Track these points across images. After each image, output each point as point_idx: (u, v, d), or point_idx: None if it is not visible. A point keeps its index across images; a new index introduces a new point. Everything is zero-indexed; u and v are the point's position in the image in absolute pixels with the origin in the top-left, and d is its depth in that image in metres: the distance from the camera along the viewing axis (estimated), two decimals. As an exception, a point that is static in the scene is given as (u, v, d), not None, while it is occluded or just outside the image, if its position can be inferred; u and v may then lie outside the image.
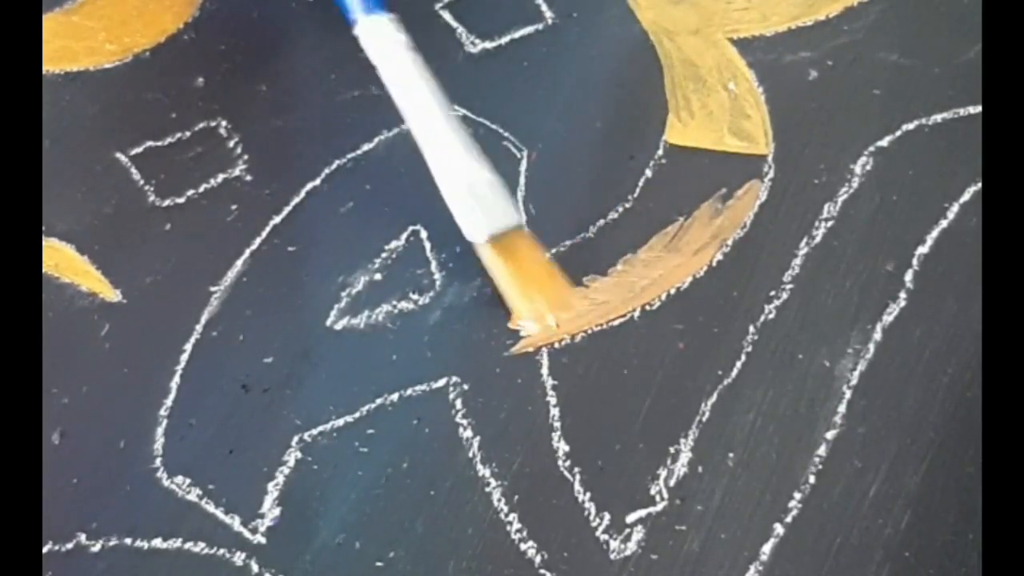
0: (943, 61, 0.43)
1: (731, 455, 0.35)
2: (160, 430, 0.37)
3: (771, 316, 0.38)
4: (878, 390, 0.36)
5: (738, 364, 0.37)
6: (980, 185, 0.40)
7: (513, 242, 0.38)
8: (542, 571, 0.34)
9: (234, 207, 0.42)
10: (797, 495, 0.34)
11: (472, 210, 0.37)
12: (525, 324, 0.38)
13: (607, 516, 0.35)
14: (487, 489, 0.35)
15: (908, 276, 0.38)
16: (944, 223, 0.39)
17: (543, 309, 0.38)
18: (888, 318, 0.37)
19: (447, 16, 0.47)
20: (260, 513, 0.36)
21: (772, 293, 0.38)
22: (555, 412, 0.37)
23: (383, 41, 0.39)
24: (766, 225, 0.40)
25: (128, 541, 0.35)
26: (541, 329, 0.38)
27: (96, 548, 0.35)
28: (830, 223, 0.40)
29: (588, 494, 0.35)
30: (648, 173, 0.42)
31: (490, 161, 0.38)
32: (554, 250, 0.40)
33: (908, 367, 0.36)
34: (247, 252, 0.41)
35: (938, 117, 0.41)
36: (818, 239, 0.39)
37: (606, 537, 0.34)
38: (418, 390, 0.37)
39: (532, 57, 0.45)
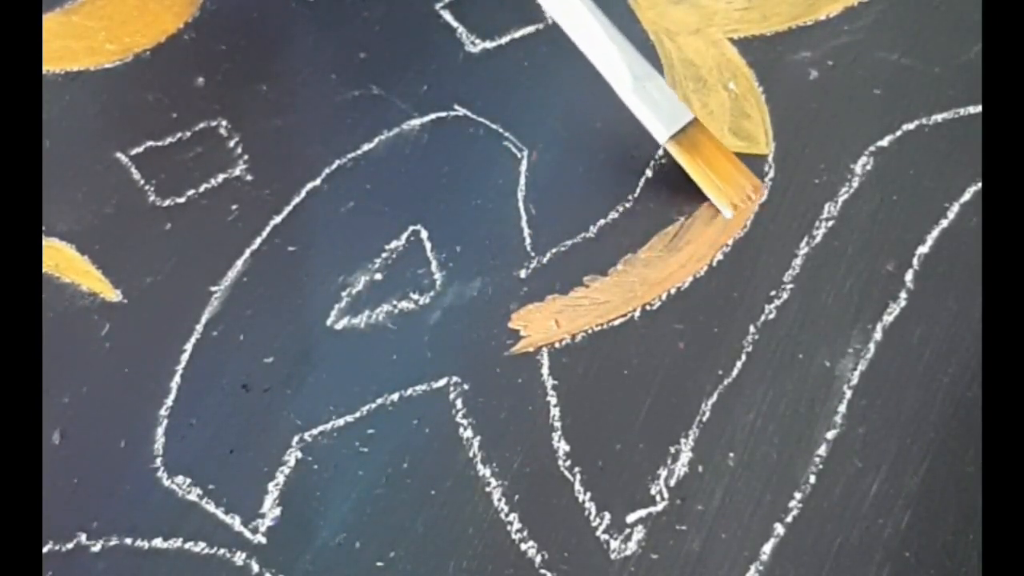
0: (943, 61, 0.43)
1: (731, 455, 0.35)
2: (160, 430, 0.37)
3: (771, 316, 0.38)
4: (878, 390, 0.36)
5: (738, 364, 0.37)
6: (980, 185, 0.40)
7: (693, 136, 0.40)
8: (542, 571, 0.34)
9: (234, 207, 0.42)
10: (797, 495, 0.34)
11: (649, 113, 0.40)
12: (724, 211, 0.40)
13: (607, 516, 0.35)
14: (487, 489, 0.35)
15: (908, 276, 0.38)
16: (944, 223, 0.39)
17: (734, 195, 0.40)
18: (888, 318, 0.37)
19: (447, 16, 0.47)
20: (260, 513, 0.36)
21: (772, 293, 0.38)
22: (555, 412, 0.37)
23: None
24: (766, 225, 0.40)
25: (128, 541, 0.35)
26: (735, 216, 0.40)
27: (96, 548, 0.35)
28: (830, 223, 0.40)
29: (588, 494, 0.35)
30: (648, 173, 0.42)
31: (651, 65, 0.40)
32: (554, 250, 0.40)
33: (908, 367, 0.36)
34: (247, 252, 0.41)
35: (938, 117, 0.41)
36: (818, 239, 0.39)
37: (606, 537, 0.34)
38: (418, 390, 0.37)
39: (532, 57, 0.45)
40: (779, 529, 0.34)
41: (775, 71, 0.44)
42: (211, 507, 0.36)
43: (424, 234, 0.41)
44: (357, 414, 0.37)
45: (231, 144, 0.44)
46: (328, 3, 0.47)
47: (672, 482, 0.35)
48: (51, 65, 0.46)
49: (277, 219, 0.42)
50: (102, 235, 0.42)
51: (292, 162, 0.43)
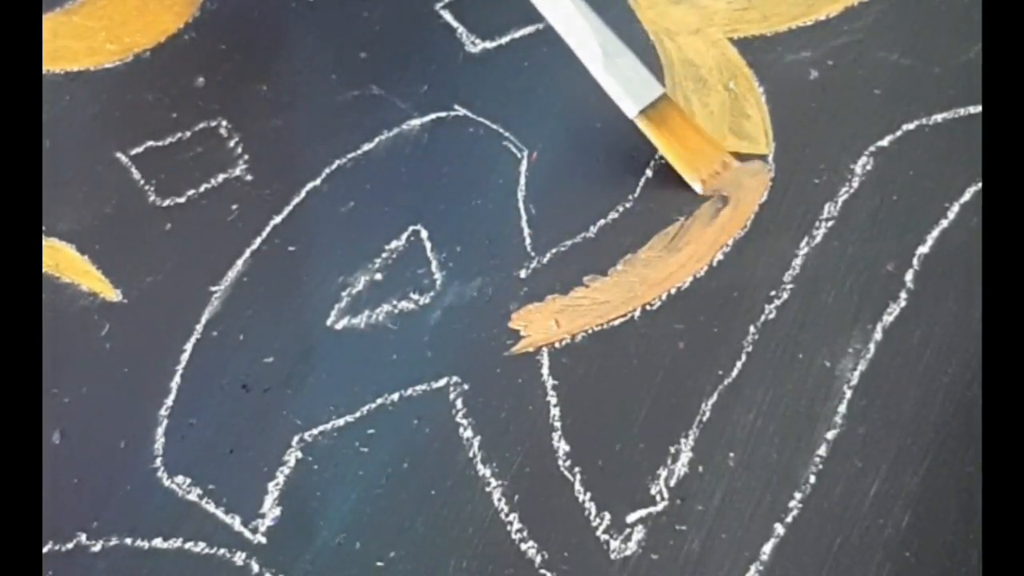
0: (943, 61, 0.43)
1: (731, 455, 0.35)
2: (160, 430, 0.37)
3: (771, 316, 0.38)
4: (878, 390, 0.36)
5: (738, 364, 0.37)
6: (980, 185, 0.40)
7: (663, 111, 0.40)
8: (542, 571, 0.34)
9: (234, 207, 0.42)
10: (797, 495, 0.34)
11: (619, 88, 0.40)
12: (693, 186, 0.40)
13: (607, 516, 0.35)
14: (487, 489, 0.35)
15: (908, 276, 0.38)
16: (944, 223, 0.39)
17: (703, 169, 0.40)
18: (888, 318, 0.37)
19: (447, 16, 0.47)
20: (260, 513, 0.36)
21: (772, 293, 0.38)
22: (555, 412, 0.37)
23: None
24: (766, 225, 0.40)
25: (128, 541, 0.35)
26: (705, 191, 0.40)
27: (96, 548, 0.35)
28: (830, 223, 0.40)
29: (588, 494, 0.35)
30: (648, 173, 0.42)
31: (624, 42, 0.41)
32: (554, 250, 0.40)
33: (908, 367, 0.36)
34: (247, 252, 0.41)
35: (938, 117, 0.41)
36: (818, 239, 0.39)
37: (606, 537, 0.34)
38: (418, 390, 0.37)
39: (532, 57, 0.45)
40: (779, 529, 0.34)
41: (775, 71, 0.44)
42: (211, 507, 0.36)
43: (424, 234, 0.41)
44: (357, 414, 0.37)
45: (231, 144, 0.44)
46: (328, 3, 0.47)
47: (672, 482, 0.35)
48: (51, 65, 0.46)
49: (277, 219, 0.42)
50: (102, 235, 0.42)
51: (292, 162, 0.43)
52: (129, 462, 0.37)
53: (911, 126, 0.41)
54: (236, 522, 0.35)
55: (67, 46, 0.47)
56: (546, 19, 0.41)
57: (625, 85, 0.40)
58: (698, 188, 0.40)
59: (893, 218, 0.39)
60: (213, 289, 0.40)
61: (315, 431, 0.37)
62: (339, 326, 0.39)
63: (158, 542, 0.35)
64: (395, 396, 0.37)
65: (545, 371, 0.37)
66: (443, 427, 0.37)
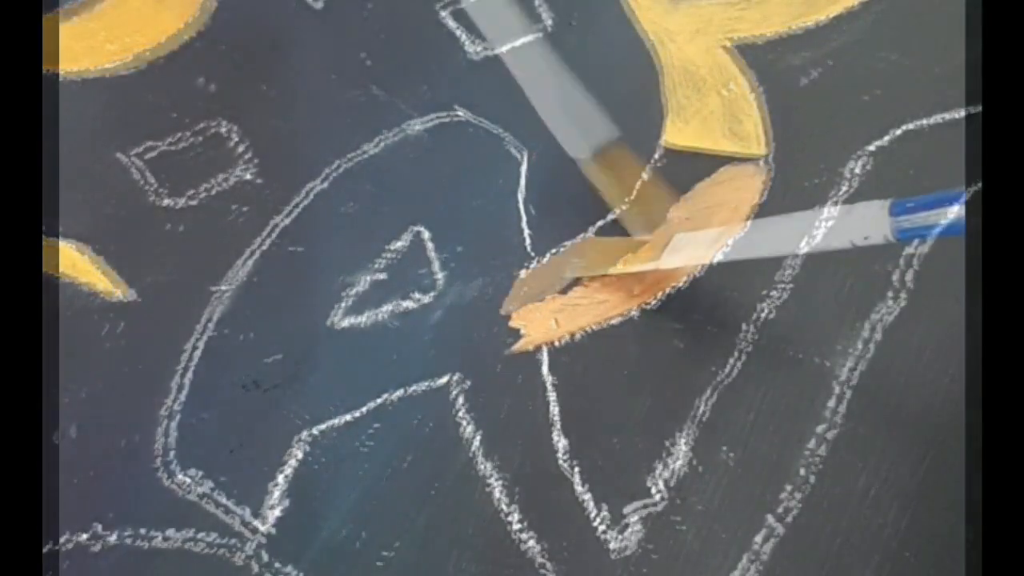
0: (943, 61, 0.43)
1: (731, 454, 0.35)
2: (162, 429, 0.37)
3: (770, 316, 0.38)
4: (878, 390, 0.36)
5: (737, 364, 0.37)
6: (980, 185, 0.40)
7: (614, 157, 0.39)
8: (542, 568, 0.34)
9: (235, 207, 0.42)
10: (797, 494, 0.35)
11: (570, 129, 0.38)
12: (637, 235, 0.39)
13: (607, 513, 0.35)
14: (488, 486, 0.35)
15: (908, 276, 0.38)
16: (944, 223, 0.39)
17: (649, 221, 0.39)
18: (888, 318, 0.37)
19: (448, 19, 0.47)
20: (263, 511, 0.36)
21: (772, 293, 0.38)
22: (555, 410, 0.37)
23: None
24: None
25: (130, 540, 0.35)
26: (651, 237, 0.39)
27: (98, 547, 0.35)
28: (830, 223, 0.40)
29: (588, 491, 0.35)
30: (646, 175, 0.42)
31: (581, 82, 0.39)
32: (554, 250, 0.40)
33: (908, 367, 0.36)
34: (249, 252, 0.41)
35: (938, 117, 0.42)
36: (818, 239, 0.39)
37: (606, 534, 0.34)
38: (420, 388, 0.37)
39: (533, 58, 0.45)
40: (778, 528, 0.34)
41: (774, 72, 0.44)
42: (213, 506, 0.36)
43: (426, 234, 0.41)
44: (359, 412, 0.37)
45: (232, 144, 0.44)
46: (329, 4, 0.47)
47: (672, 480, 0.35)
48: (51, 65, 0.46)
49: (279, 219, 0.42)
50: (103, 235, 0.42)
51: (294, 162, 0.43)
52: (131, 461, 0.37)
53: (911, 126, 0.41)
54: (238, 521, 0.35)
55: (67, 46, 0.47)
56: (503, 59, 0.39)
57: (577, 122, 0.38)
58: (637, 235, 0.39)
59: (892, 218, 0.39)
60: (215, 289, 0.40)
61: (317, 429, 0.37)
62: (341, 325, 0.39)
63: (159, 541, 0.35)
64: (397, 394, 0.37)
65: (545, 369, 0.37)
66: (444, 425, 0.37)
